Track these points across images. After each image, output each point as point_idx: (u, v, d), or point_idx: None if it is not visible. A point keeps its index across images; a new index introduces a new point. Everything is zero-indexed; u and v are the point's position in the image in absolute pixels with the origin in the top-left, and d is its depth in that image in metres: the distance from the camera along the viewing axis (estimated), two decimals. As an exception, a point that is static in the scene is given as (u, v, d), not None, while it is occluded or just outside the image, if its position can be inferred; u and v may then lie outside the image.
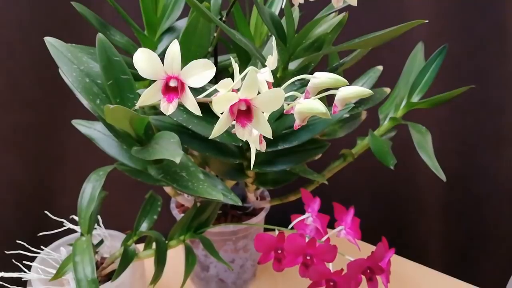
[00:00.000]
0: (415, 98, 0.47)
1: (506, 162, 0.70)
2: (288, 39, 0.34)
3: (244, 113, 0.23)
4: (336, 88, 0.24)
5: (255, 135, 0.25)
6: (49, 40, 0.34)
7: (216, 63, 0.44)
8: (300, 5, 0.33)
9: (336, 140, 0.50)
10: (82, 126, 0.40)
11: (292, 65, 0.37)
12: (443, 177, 0.41)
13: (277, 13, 0.40)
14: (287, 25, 0.34)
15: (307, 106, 0.23)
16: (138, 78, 0.42)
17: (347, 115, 0.43)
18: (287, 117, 0.37)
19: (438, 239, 0.75)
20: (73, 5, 0.41)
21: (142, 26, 0.43)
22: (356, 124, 0.51)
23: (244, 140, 0.23)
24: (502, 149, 0.70)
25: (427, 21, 0.31)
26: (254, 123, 0.23)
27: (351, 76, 0.53)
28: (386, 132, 0.49)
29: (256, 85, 0.22)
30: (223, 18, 0.36)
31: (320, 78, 0.24)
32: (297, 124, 0.24)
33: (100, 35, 0.32)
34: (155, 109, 0.41)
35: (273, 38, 0.27)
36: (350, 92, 0.24)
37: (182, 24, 0.43)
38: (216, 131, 0.23)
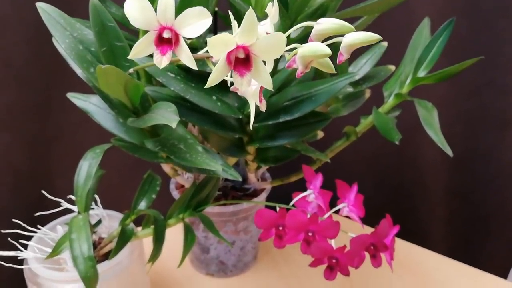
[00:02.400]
0: (421, 74, 0.46)
1: (510, 145, 0.69)
2: (290, 5, 0.33)
3: (242, 61, 0.21)
4: (342, 35, 0.23)
5: (254, 88, 0.24)
6: (41, 6, 0.33)
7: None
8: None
9: (339, 119, 0.48)
10: (77, 99, 0.39)
11: (294, 34, 0.36)
12: (450, 152, 0.39)
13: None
14: (289, -10, 0.33)
15: (310, 48, 0.21)
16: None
17: (351, 89, 0.41)
18: (289, 89, 0.36)
19: (441, 222, 0.74)
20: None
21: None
22: (359, 102, 0.50)
23: (242, 90, 0.22)
24: (506, 131, 0.69)
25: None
26: (254, 72, 0.21)
27: (355, 52, 0.51)
28: (390, 109, 0.48)
29: (255, 29, 0.20)
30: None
31: (324, 24, 0.22)
32: (300, 70, 0.22)
33: (93, 0, 0.31)
34: (152, 84, 0.40)
35: (274, 1, 0.25)
36: (356, 37, 0.22)
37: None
38: (212, 79, 0.21)
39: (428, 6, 0.62)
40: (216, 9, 0.44)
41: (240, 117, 0.37)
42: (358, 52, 0.52)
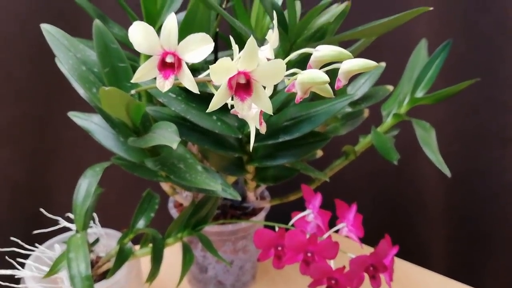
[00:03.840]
0: (419, 94, 0.46)
1: (510, 163, 0.69)
2: (290, 28, 0.33)
3: (243, 86, 0.22)
4: (340, 62, 0.23)
5: (254, 112, 0.24)
6: (46, 27, 0.33)
7: (216, 59, 0.43)
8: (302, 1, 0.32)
9: (338, 138, 0.49)
10: (78, 118, 0.39)
11: (294, 56, 0.36)
12: (447, 172, 0.40)
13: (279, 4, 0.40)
14: (288, 13, 0.34)
15: (309, 75, 0.22)
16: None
17: (349, 109, 0.42)
18: (288, 109, 0.37)
19: (441, 242, 0.74)
20: (72, -3, 0.40)
21: (142, 18, 0.43)
22: (358, 122, 0.51)
23: (243, 114, 0.22)
24: (506, 149, 0.69)
25: (431, 8, 0.30)
26: (254, 97, 0.22)
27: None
28: (389, 129, 0.48)
29: (256, 56, 0.21)
30: (223, 6, 0.36)
31: (323, 51, 0.23)
32: (299, 96, 0.23)
33: (97, 22, 0.32)
34: (152, 103, 0.40)
35: (275, 15, 0.26)
36: (354, 64, 0.23)
37: (182, 17, 0.43)
38: (214, 104, 0.22)
39: (426, 26, 0.63)
40: (217, 29, 0.45)
41: (240, 136, 0.37)
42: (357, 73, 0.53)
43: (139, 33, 0.22)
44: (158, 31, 0.43)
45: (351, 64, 0.23)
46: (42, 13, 0.56)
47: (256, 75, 0.21)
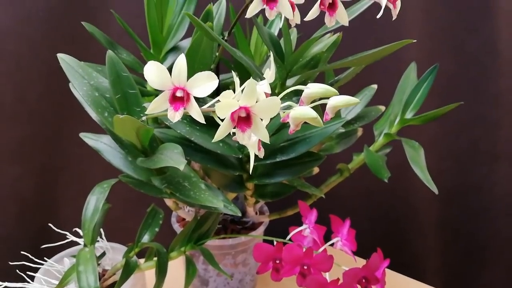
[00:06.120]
0: (409, 115, 0.49)
1: (501, 178, 0.71)
2: (286, 57, 0.36)
3: (244, 119, 0.25)
4: (327, 98, 0.26)
5: (254, 140, 0.27)
6: (62, 56, 0.36)
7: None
8: (298, 26, 0.35)
9: (333, 156, 0.51)
10: (89, 139, 0.42)
11: (290, 82, 0.39)
12: (435, 190, 0.42)
13: (276, 33, 0.43)
14: (284, 44, 0.36)
15: (300, 112, 0.25)
16: (144, 94, 0.44)
17: (342, 130, 0.44)
18: (285, 131, 0.39)
19: (435, 255, 0.75)
20: (84, 25, 0.43)
21: (148, 45, 0.46)
22: (352, 140, 0.53)
23: (243, 143, 0.25)
24: (496, 165, 0.71)
25: (415, 40, 0.33)
26: (253, 128, 0.25)
27: (348, 94, 0.55)
28: (381, 147, 0.51)
29: (255, 94, 0.24)
30: (225, 38, 0.39)
31: (312, 89, 0.26)
32: (292, 128, 0.26)
33: (110, 52, 0.35)
34: (158, 124, 0.43)
35: (272, 54, 0.29)
36: (339, 100, 0.26)
37: (186, 43, 0.46)
38: (218, 135, 0.25)
39: (416, 47, 0.66)
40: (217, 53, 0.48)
41: (240, 156, 0.40)
42: (352, 93, 0.55)
43: (153, 72, 0.25)
44: (164, 58, 0.46)
45: (336, 100, 0.26)
46: (54, 37, 0.59)
47: (255, 110, 0.24)
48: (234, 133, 0.26)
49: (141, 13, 0.47)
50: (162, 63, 0.46)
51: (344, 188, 0.57)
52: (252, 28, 0.48)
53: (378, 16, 0.29)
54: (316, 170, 0.51)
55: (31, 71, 0.60)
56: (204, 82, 0.25)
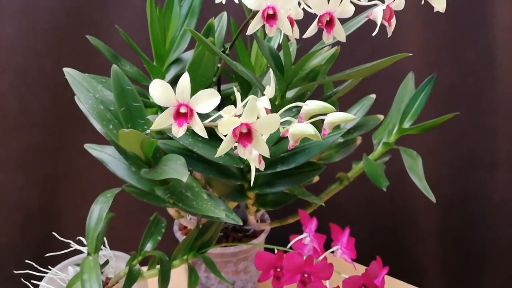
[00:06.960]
0: (407, 124, 0.50)
1: (500, 184, 0.72)
2: (286, 70, 0.37)
3: (245, 135, 0.26)
4: (325, 114, 0.27)
5: (254, 154, 0.28)
6: (68, 71, 0.37)
7: (219, 92, 0.47)
8: (297, 38, 0.36)
9: (333, 164, 0.52)
10: (93, 149, 0.42)
11: (290, 94, 0.40)
12: (433, 198, 0.43)
13: (275, 46, 0.44)
14: (284, 57, 0.37)
15: (299, 128, 0.26)
16: (147, 105, 0.45)
17: (341, 140, 0.45)
18: (285, 142, 0.40)
19: (435, 262, 0.75)
20: (88, 38, 0.44)
21: (151, 57, 0.47)
22: (351, 149, 0.54)
23: (245, 158, 0.26)
24: (495, 172, 0.72)
25: (411, 54, 0.34)
26: (254, 144, 0.26)
27: (347, 104, 0.56)
28: (379, 156, 0.52)
29: (256, 111, 0.25)
30: (227, 51, 0.40)
31: (310, 106, 0.28)
32: (291, 144, 0.27)
33: (114, 67, 0.36)
34: (161, 134, 0.44)
35: (271, 69, 0.30)
36: (336, 117, 0.27)
37: (188, 56, 0.47)
38: (221, 150, 0.26)
39: (414, 57, 0.67)
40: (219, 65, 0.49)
41: (242, 166, 0.40)
42: (351, 103, 0.56)
43: (158, 89, 0.26)
44: (166, 70, 0.47)
45: (333, 117, 0.27)
46: (59, 49, 0.60)
47: (256, 126, 0.26)
48: (235, 147, 0.27)
49: (143, 26, 0.48)
50: (164, 75, 0.47)
51: (344, 196, 0.57)
52: (253, 40, 0.49)
53: (373, 34, 0.30)
54: (316, 178, 0.52)
55: (36, 83, 0.61)
56: (207, 99, 0.26)
